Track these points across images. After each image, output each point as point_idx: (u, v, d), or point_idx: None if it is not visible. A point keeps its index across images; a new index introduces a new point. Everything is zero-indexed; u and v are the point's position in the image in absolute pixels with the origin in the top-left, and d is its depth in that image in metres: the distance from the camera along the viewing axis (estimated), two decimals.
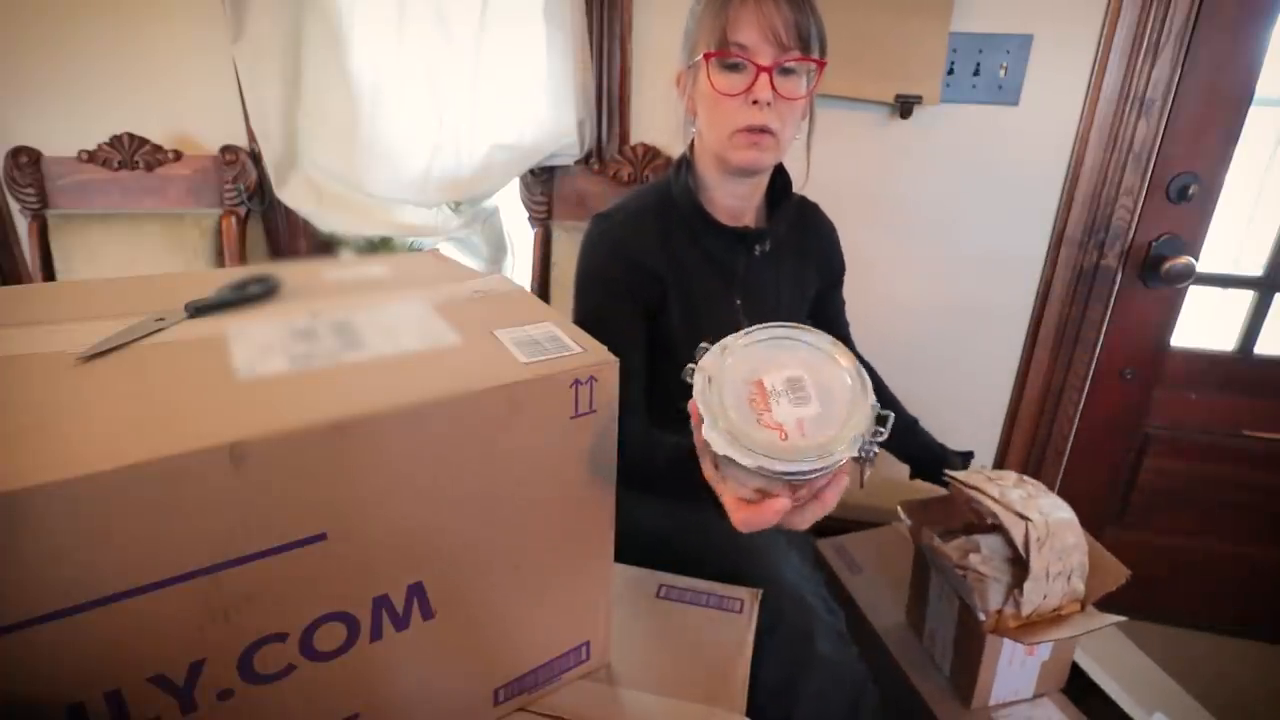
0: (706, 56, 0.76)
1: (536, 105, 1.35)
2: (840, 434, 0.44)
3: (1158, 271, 1.29)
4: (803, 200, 0.97)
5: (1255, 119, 1.23)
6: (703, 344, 0.48)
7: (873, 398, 0.45)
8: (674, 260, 0.83)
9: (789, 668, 0.70)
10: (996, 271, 1.36)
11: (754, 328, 0.49)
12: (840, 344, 0.49)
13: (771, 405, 0.45)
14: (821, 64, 0.77)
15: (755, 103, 0.74)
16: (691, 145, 0.88)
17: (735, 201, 0.87)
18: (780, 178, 0.90)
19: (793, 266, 0.93)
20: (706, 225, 0.84)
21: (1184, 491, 1.46)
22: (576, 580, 0.52)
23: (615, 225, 0.84)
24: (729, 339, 0.48)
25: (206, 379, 0.39)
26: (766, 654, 0.66)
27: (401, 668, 0.44)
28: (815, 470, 0.43)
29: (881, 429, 0.45)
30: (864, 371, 0.47)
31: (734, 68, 0.75)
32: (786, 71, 0.75)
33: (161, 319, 0.46)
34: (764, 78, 0.73)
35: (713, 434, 0.43)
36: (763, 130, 0.76)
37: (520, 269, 1.55)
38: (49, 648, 0.31)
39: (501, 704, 0.52)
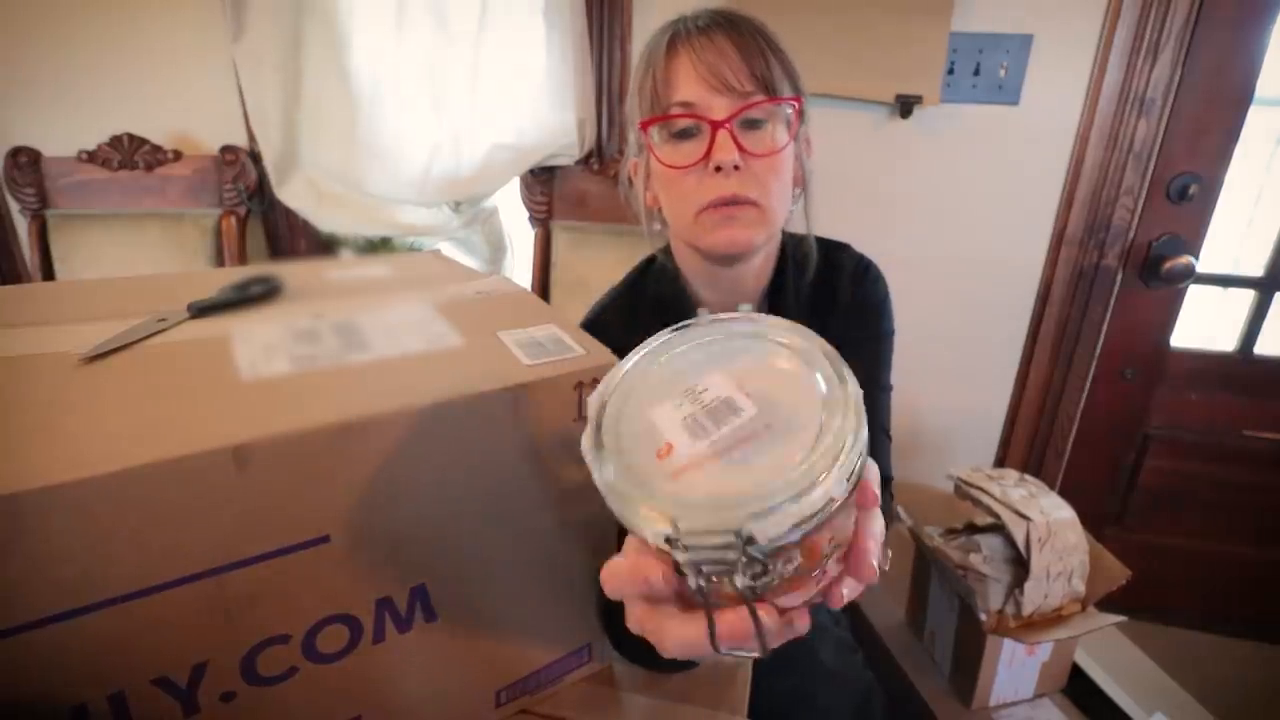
0: (644, 125, 0.61)
1: (536, 105, 1.35)
2: (811, 457, 0.26)
3: (1158, 271, 1.30)
4: (831, 262, 0.75)
5: (1255, 119, 1.23)
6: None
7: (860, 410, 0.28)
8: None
9: (794, 681, 0.70)
10: (996, 271, 1.36)
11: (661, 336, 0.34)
12: (797, 327, 0.32)
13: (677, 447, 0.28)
14: (798, 101, 0.61)
15: (719, 170, 0.58)
16: (667, 246, 0.73)
17: (734, 299, 0.69)
18: (797, 251, 0.71)
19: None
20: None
21: (1184, 491, 1.46)
22: (578, 582, 0.52)
23: None
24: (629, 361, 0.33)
25: (210, 380, 0.39)
26: (771, 667, 0.64)
27: (404, 670, 0.44)
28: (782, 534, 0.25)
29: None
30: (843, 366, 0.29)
31: (683, 134, 0.60)
32: (752, 124, 0.60)
33: (164, 319, 0.45)
34: (723, 135, 0.57)
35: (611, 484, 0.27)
36: (734, 202, 0.59)
37: (520, 269, 1.55)
38: (52, 650, 0.31)
39: (503, 706, 0.51)
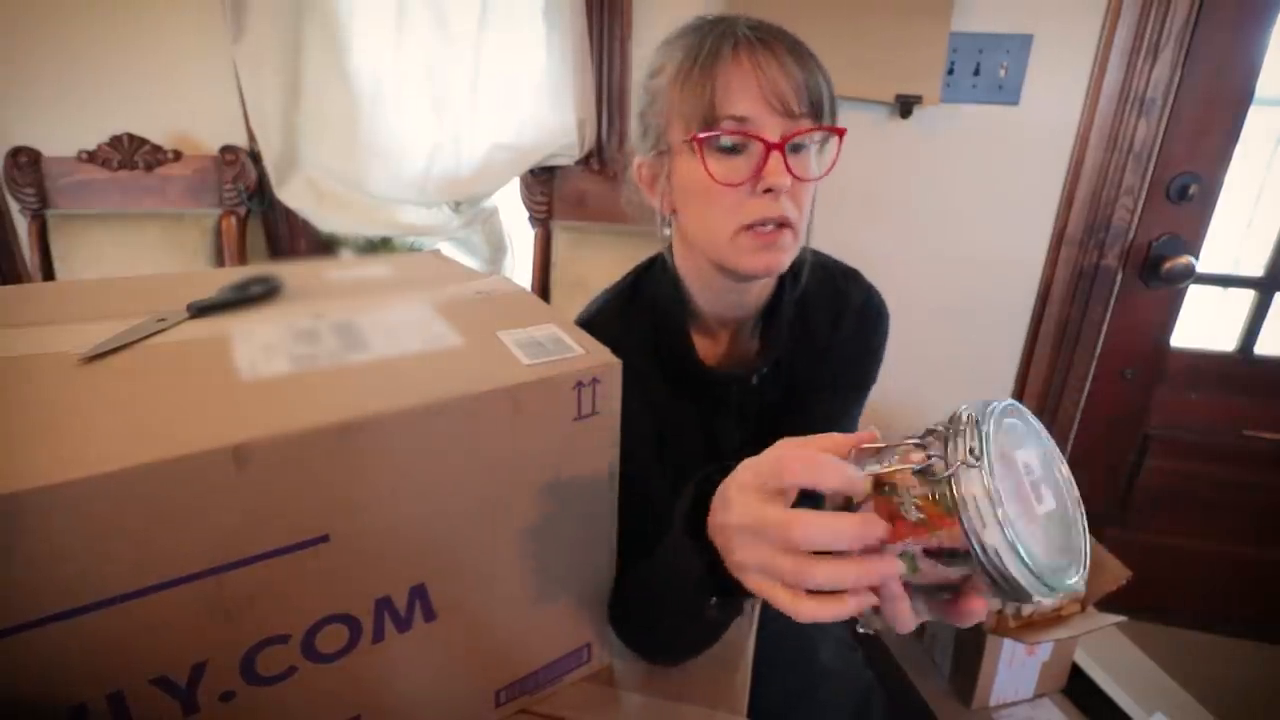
0: (697, 140, 0.57)
1: (536, 105, 1.35)
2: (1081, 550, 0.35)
3: (1158, 271, 1.29)
4: (838, 289, 0.73)
5: (1255, 119, 1.23)
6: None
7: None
8: (653, 410, 0.65)
9: (795, 679, 0.70)
10: (996, 271, 1.36)
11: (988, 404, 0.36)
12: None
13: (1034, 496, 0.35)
14: (842, 133, 0.60)
15: (769, 191, 0.56)
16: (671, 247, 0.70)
17: (734, 312, 0.68)
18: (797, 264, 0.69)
19: (807, 367, 0.72)
20: (688, 371, 0.67)
21: (1184, 491, 1.46)
22: (578, 582, 0.52)
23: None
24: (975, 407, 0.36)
25: (210, 380, 0.39)
26: (772, 666, 0.64)
27: (403, 669, 0.44)
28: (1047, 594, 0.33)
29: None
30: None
31: (732, 149, 0.57)
32: (797, 147, 0.58)
33: (164, 319, 0.45)
34: (776, 158, 0.56)
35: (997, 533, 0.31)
36: (779, 225, 0.58)
37: (520, 269, 1.55)
38: (52, 649, 0.31)
39: (503, 705, 0.51)
